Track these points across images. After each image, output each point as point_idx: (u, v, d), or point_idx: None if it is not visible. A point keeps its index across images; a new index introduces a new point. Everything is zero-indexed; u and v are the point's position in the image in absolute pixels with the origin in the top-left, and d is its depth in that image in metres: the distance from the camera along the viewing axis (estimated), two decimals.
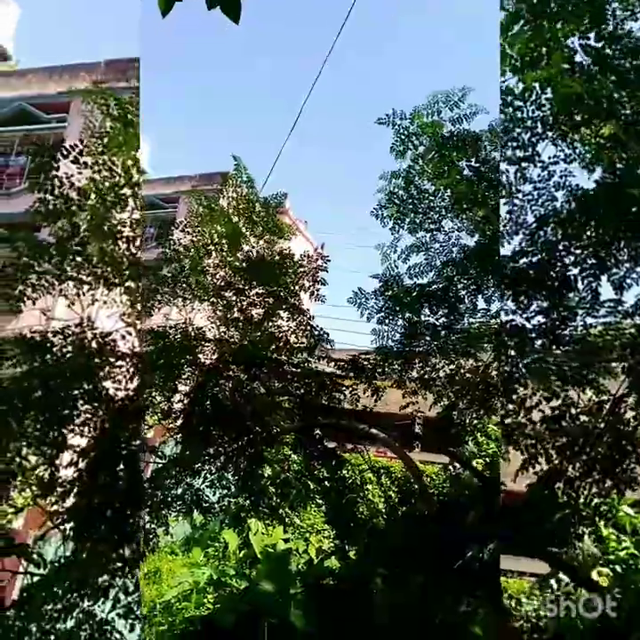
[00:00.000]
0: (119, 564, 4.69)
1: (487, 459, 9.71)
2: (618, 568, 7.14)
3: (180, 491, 7.17)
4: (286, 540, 10.46)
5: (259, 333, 6.88)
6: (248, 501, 8.66)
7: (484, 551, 9.70)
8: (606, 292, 5.09)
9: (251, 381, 7.00)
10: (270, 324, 6.82)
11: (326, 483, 9.31)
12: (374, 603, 9.29)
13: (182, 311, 7.37)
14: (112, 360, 5.22)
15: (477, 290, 6.94)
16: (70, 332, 5.25)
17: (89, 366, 5.08)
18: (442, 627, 9.12)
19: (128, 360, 5.26)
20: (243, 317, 6.90)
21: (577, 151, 5.08)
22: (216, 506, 8.21)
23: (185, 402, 6.98)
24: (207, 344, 7.14)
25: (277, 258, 6.63)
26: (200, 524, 10.96)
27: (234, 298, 6.96)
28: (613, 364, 5.04)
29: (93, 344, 5.26)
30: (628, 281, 5.08)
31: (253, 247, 6.75)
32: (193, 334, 7.05)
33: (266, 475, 8.41)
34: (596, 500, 5.16)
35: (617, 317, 5.01)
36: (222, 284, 6.83)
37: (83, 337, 5.26)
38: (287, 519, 9.18)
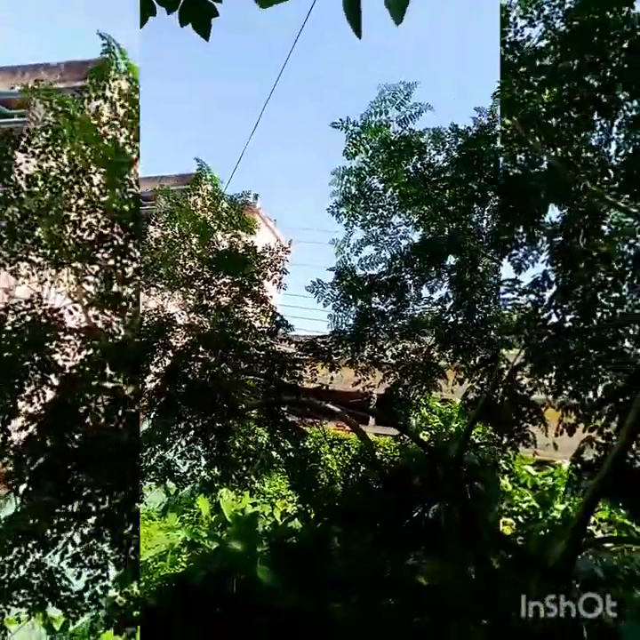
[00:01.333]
0: (67, 519, 4.95)
1: (432, 431, 10.34)
2: (520, 519, 7.89)
3: (152, 462, 7.48)
4: (254, 505, 10.91)
5: (226, 319, 7.17)
6: (219, 472, 9.05)
7: (428, 511, 10.40)
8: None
9: (219, 363, 7.30)
10: (236, 310, 7.12)
11: (291, 454, 9.77)
12: (331, 558, 9.88)
13: (154, 299, 7.59)
14: (61, 334, 5.37)
15: (422, 280, 7.41)
16: (21, 308, 5.43)
17: (38, 339, 5.24)
18: (391, 578, 9.80)
19: (76, 334, 5.42)
20: (211, 305, 7.18)
21: None
22: (187, 476, 8.56)
23: (157, 382, 7.24)
24: (177, 329, 7.40)
25: (242, 250, 6.91)
26: (174, 493, 11.31)
27: (202, 287, 7.22)
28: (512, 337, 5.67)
29: (42, 319, 5.41)
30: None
31: (220, 241, 6.99)
32: (165, 320, 7.29)
33: (234, 447, 8.79)
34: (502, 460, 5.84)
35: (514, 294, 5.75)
36: (191, 274, 7.07)
37: (33, 312, 5.41)
38: (254, 486, 9.60)
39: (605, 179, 5.32)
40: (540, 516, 8.10)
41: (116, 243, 5.43)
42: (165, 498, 11.73)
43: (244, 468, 8.88)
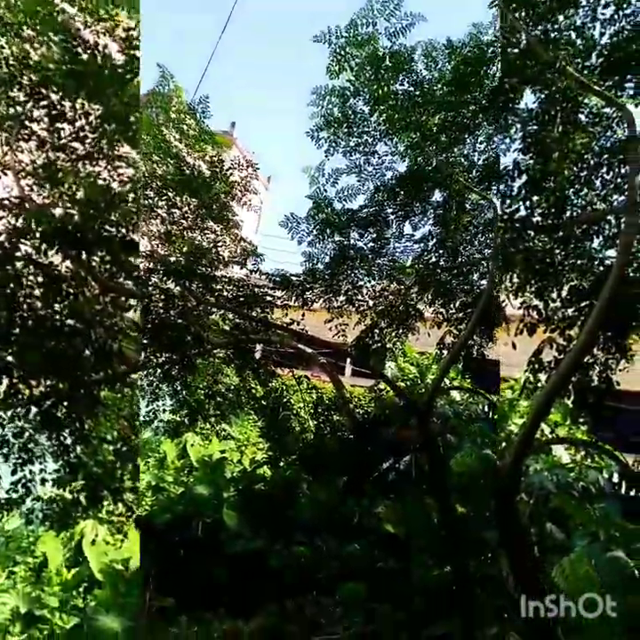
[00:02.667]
0: None
1: (408, 382, 10.10)
2: None
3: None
4: (223, 451, 10.66)
5: (191, 246, 6.60)
6: (186, 418, 8.69)
7: (400, 462, 10.29)
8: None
9: (183, 294, 6.77)
10: (202, 235, 6.54)
11: (263, 402, 9.44)
12: (299, 504, 9.75)
13: None
14: None
15: (405, 216, 6.90)
16: None
17: None
18: (359, 525, 9.76)
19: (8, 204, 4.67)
20: (173, 230, 6.57)
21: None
22: (147, 417, 8.18)
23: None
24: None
25: (207, 166, 6.25)
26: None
27: (164, 210, 6.59)
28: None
29: None
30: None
31: (184, 157, 6.30)
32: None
33: (201, 387, 8.40)
34: None
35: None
36: (152, 196, 6.42)
37: None
38: (222, 431, 9.30)
39: (587, 63, 4.84)
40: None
41: (49, 103, 4.61)
42: None
43: (211, 411, 8.54)
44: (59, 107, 4.65)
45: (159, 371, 7.15)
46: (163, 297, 6.54)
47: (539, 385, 4.87)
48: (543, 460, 5.57)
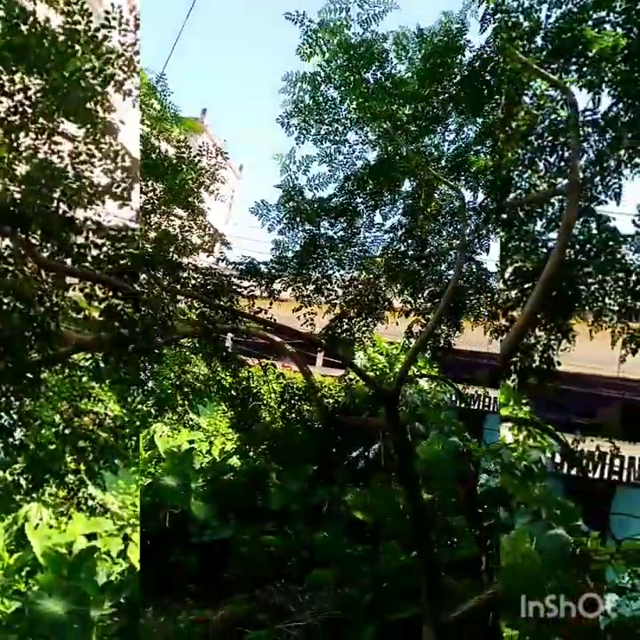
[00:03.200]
0: None
1: (377, 372, 10.19)
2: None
3: None
4: (191, 442, 10.54)
5: (156, 233, 6.42)
6: (153, 408, 8.51)
7: (369, 451, 10.43)
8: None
9: (148, 282, 6.59)
10: (168, 223, 6.37)
11: (232, 391, 9.34)
12: (269, 494, 9.76)
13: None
14: None
15: (376, 205, 6.90)
16: None
17: None
18: (328, 513, 9.86)
19: None
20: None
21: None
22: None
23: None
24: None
25: (173, 151, 6.07)
26: None
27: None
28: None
29: None
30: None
31: (148, 138, 6.10)
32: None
33: (169, 377, 8.25)
34: None
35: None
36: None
37: None
38: (190, 421, 9.19)
39: (533, 46, 4.93)
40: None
41: None
42: None
43: (179, 401, 8.41)
44: None
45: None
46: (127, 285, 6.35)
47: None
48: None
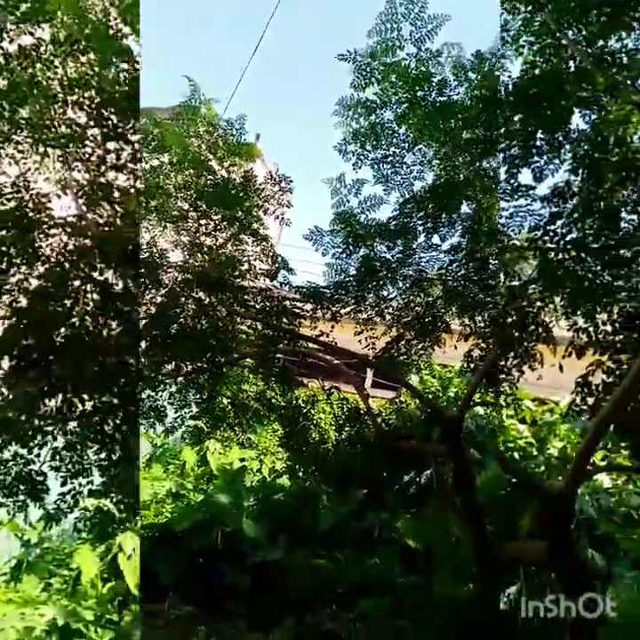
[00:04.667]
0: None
1: (430, 395, 10.03)
2: (516, 454, 7.61)
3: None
4: (242, 460, 10.67)
5: (222, 258, 6.68)
6: (207, 422, 8.73)
7: (421, 476, 10.20)
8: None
9: (213, 304, 6.85)
10: (234, 248, 6.62)
11: (282, 405, 9.44)
12: (319, 515, 9.69)
13: (147, 233, 7.06)
14: (48, 221, 4.91)
15: (434, 227, 6.89)
16: (6, 193, 4.95)
17: (24, 225, 4.77)
18: (379, 538, 9.67)
19: (64, 223, 4.94)
20: (206, 242, 6.66)
21: None
22: (174, 424, 8.23)
23: (147, 320, 6.79)
24: (170, 268, 6.90)
25: (240, 180, 6.33)
26: (160, 445, 11.04)
27: (197, 222, 6.68)
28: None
29: (29, 204, 4.97)
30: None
31: (218, 170, 6.40)
32: (157, 255, 6.79)
33: (226, 396, 8.44)
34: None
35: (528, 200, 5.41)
36: (185, 207, 6.52)
37: (19, 197, 4.99)
38: (243, 439, 9.32)
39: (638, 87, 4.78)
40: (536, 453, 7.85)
41: (109, 123, 4.86)
42: (150, 448, 11.47)
43: (234, 419, 8.57)
44: (118, 125, 4.82)
45: (186, 379, 7.22)
46: (194, 307, 6.62)
47: (583, 408, 4.73)
48: (584, 485, 5.40)
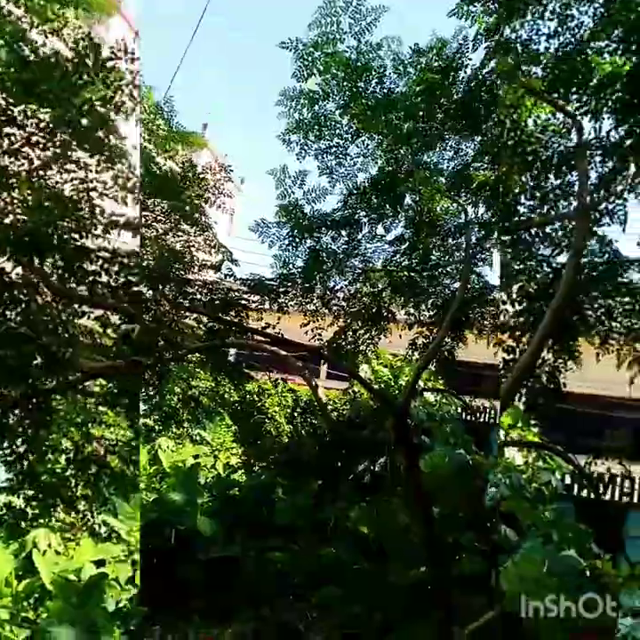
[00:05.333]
0: None
1: (382, 384, 10.15)
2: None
3: None
4: (196, 457, 10.48)
5: (164, 250, 6.49)
6: (157, 421, 8.52)
7: (374, 464, 10.32)
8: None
9: (157, 298, 6.65)
10: (176, 240, 6.44)
11: (237, 406, 9.34)
12: (275, 508, 9.66)
13: None
14: None
15: (378, 218, 6.95)
16: None
17: None
18: (335, 528, 9.73)
19: None
20: (147, 234, 6.45)
21: None
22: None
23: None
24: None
25: (179, 170, 6.17)
26: None
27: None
28: None
29: None
30: None
31: (154, 158, 6.19)
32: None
33: (174, 392, 8.26)
34: None
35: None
36: None
37: None
38: (195, 435, 9.17)
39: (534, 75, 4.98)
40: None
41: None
42: None
43: (185, 415, 8.41)
44: (8, 112, 4.37)
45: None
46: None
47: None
48: (499, 463, 5.67)
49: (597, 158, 4.89)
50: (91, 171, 4.74)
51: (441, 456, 7.66)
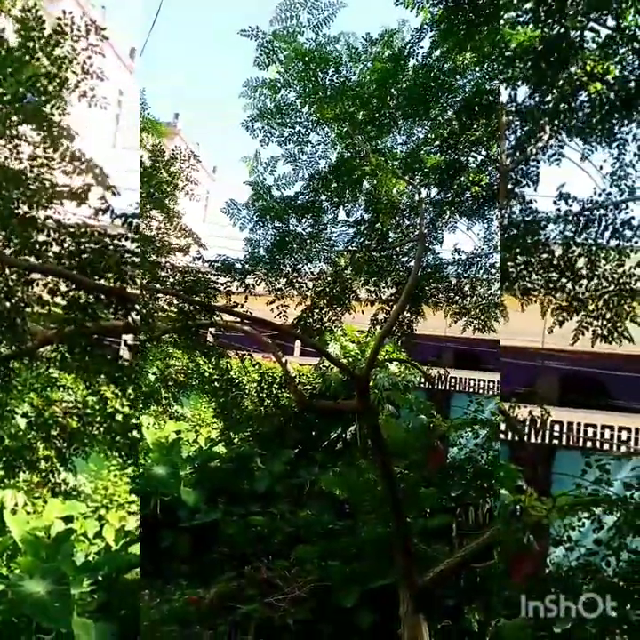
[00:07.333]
0: None
1: (350, 359, 10.51)
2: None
3: None
4: (178, 432, 10.73)
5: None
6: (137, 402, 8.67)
7: (346, 433, 10.77)
8: None
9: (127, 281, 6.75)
10: (145, 224, 6.53)
11: (215, 383, 9.54)
12: (254, 477, 10.04)
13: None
14: None
15: (339, 202, 7.16)
16: None
17: None
18: (309, 492, 10.19)
19: None
20: None
21: None
22: None
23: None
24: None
25: (148, 155, 6.23)
26: None
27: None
28: None
29: None
30: None
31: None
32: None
33: (151, 371, 8.42)
34: None
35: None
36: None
37: None
38: (175, 412, 9.38)
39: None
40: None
41: None
42: None
43: (164, 394, 8.59)
44: None
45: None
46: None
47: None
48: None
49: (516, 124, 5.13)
50: (37, 146, 4.62)
51: (404, 421, 8.19)
